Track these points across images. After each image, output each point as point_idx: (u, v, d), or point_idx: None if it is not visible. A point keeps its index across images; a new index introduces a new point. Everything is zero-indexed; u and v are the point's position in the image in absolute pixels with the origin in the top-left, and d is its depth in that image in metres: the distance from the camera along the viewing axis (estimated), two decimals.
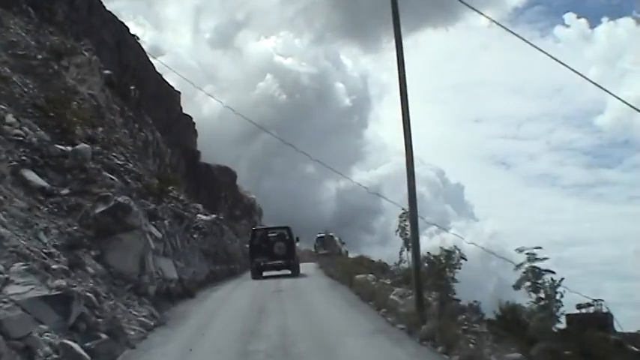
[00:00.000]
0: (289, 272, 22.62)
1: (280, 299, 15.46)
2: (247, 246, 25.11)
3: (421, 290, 10.55)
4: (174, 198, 22.00)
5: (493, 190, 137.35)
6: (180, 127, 67.50)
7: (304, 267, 25.47)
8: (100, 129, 21.72)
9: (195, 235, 20.83)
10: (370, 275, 16.46)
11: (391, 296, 12.02)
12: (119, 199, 13.71)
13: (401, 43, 11.43)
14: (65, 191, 14.32)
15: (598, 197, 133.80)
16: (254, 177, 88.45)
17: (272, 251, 21.93)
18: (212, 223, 22.77)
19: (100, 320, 10.00)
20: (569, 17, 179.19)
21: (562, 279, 9.60)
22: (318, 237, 34.74)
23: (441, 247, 12.40)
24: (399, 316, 10.75)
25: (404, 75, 11.49)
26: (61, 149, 15.40)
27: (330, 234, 34.80)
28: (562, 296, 9.54)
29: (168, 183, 20.88)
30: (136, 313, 11.98)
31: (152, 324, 11.88)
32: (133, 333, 10.86)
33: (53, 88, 20.34)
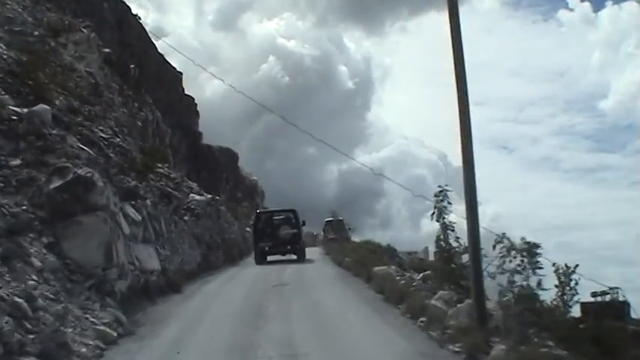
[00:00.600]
0: (294, 257, 20.97)
1: (283, 297, 12.48)
2: (250, 230, 24.09)
3: (483, 298, 7.49)
4: (163, 175, 19.00)
5: (494, 174, 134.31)
6: (182, 109, 65.82)
7: (309, 252, 23.18)
8: (98, 107, 20.25)
9: (185, 218, 17.83)
10: (392, 267, 13.45)
11: (432, 301, 8.90)
12: (79, 171, 10.62)
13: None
14: (16, 162, 11.29)
15: (600, 182, 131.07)
16: (256, 158, 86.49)
17: (277, 235, 20.44)
18: (207, 204, 19.34)
19: (30, 337, 7.04)
20: (573, 1, 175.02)
21: (577, 265, 8.66)
22: (327, 221, 32.08)
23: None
24: (449, 331, 7.64)
25: (461, 56, 8.37)
26: (15, 111, 12.32)
27: (340, 218, 31.78)
28: (577, 284, 8.64)
29: (154, 157, 17.75)
30: (94, 319, 8.95)
31: (115, 334, 8.90)
32: (84, 350, 7.88)
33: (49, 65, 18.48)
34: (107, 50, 29.53)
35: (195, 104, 72.02)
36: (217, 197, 23.44)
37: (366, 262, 15.25)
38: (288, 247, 20.63)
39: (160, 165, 19.20)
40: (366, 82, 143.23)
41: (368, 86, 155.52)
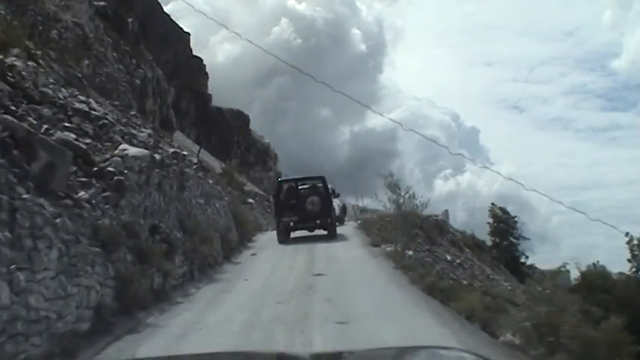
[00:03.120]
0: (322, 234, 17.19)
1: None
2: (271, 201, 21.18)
3: None
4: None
5: (506, 134, 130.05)
6: (190, 70, 62.19)
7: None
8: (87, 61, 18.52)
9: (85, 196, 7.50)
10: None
11: None
12: None
13: None
14: None
15: (612, 141, 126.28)
16: (268, 121, 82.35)
17: (304, 208, 16.59)
18: (152, 163, 9.65)
19: None
20: None
21: None
22: None
23: None
24: None
25: None
26: None
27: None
28: None
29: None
30: None
31: None
32: None
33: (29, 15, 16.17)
34: (101, 3, 26.60)
35: (204, 65, 68.68)
36: (183, 153, 14.02)
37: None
38: (317, 221, 16.95)
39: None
40: (378, 45, 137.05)
41: (380, 49, 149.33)
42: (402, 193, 13.68)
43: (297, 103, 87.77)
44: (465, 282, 15.94)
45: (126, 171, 8.67)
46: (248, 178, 54.68)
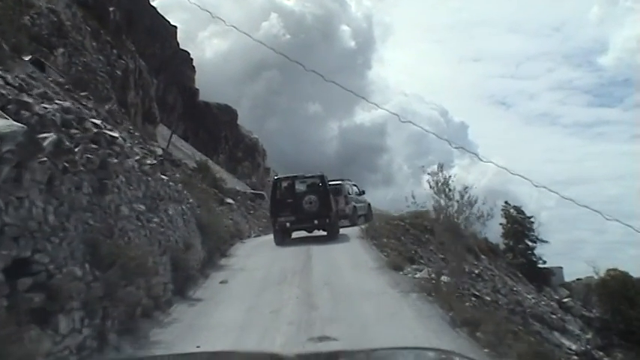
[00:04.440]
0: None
1: None
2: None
3: None
4: None
5: (494, 130, 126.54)
6: (177, 64, 58.47)
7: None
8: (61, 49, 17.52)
9: None
10: None
11: None
12: None
13: None
14: None
15: (599, 136, 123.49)
16: (257, 116, 78.64)
17: (301, 207, 15.43)
18: (27, 141, 5.27)
19: None
20: None
21: None
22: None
23: None
24: None
25: None
26: None
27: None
28: None
29: None
30: None
31: None
32: None
33: None
34: None
35: (191, 59, 65.26)
36: (112, 134, 8.38)
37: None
38: (315, 221, 15.54)
39: None
40: (367, 41, 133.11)
41: (369, 44, 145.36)
42: (456, 196, 9.08)
43: (285, 99, 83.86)
44: (489, 298, 12.78)
45: None
46: (236, 174, 50.39)
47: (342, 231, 16.11)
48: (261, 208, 24.17)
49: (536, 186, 10.26)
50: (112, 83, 24.08)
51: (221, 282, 9.39)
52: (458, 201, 8.67)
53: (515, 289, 19.61)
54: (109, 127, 13.02)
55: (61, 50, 17.82)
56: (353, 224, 17.83)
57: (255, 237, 17.58)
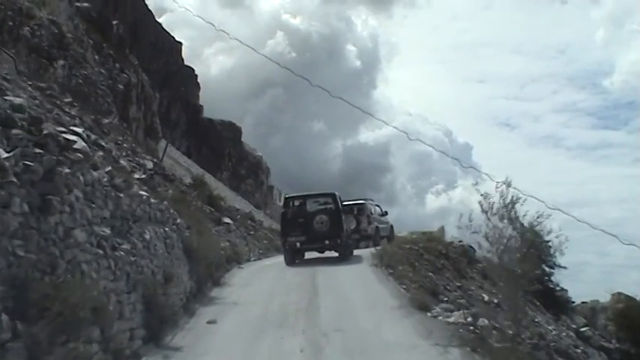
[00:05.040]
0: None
1: None
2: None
3: None
4: None
5: (498, 151, 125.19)
6: (181, 80, 57.68)
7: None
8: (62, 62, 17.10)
9: None
10: None
11: None
12: None
13: None
14: None
15: (603, 159, 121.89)
16: (261, 134, 77.48)
17: (312, 227, 14.93)
18: None
19: None
20: None
21: None
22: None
23: None
24: None
25: None
26: None
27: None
28: None
29: None
30: None
31: None
32: None
33: None
34: (85, 4, 24.57)
35: (196, 75, 64.46)
36: (67, 137, 5.91)
37: None
38: (326, 242, 15.10)
39: None
40: (372, 60, 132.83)
41: (374, 64, 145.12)
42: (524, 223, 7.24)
43: (290, 117, 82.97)
44: (511, 332, 11.22)
45: None
46: (239, 192, 48.67)
47: (354, 252, 15.52)
48: (262, 229, 22.62)
49: (551, 208, 9.57)
50: (113, 97, 23.20)
51: (208, 322, 7.60)
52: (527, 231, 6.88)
53: (536, 319, 18.12)
54: (93, 136, 11.40)
55: (61, 62, 17.43)
56: (375, 245, 16.92)
57: (254, 260, 15.97)
